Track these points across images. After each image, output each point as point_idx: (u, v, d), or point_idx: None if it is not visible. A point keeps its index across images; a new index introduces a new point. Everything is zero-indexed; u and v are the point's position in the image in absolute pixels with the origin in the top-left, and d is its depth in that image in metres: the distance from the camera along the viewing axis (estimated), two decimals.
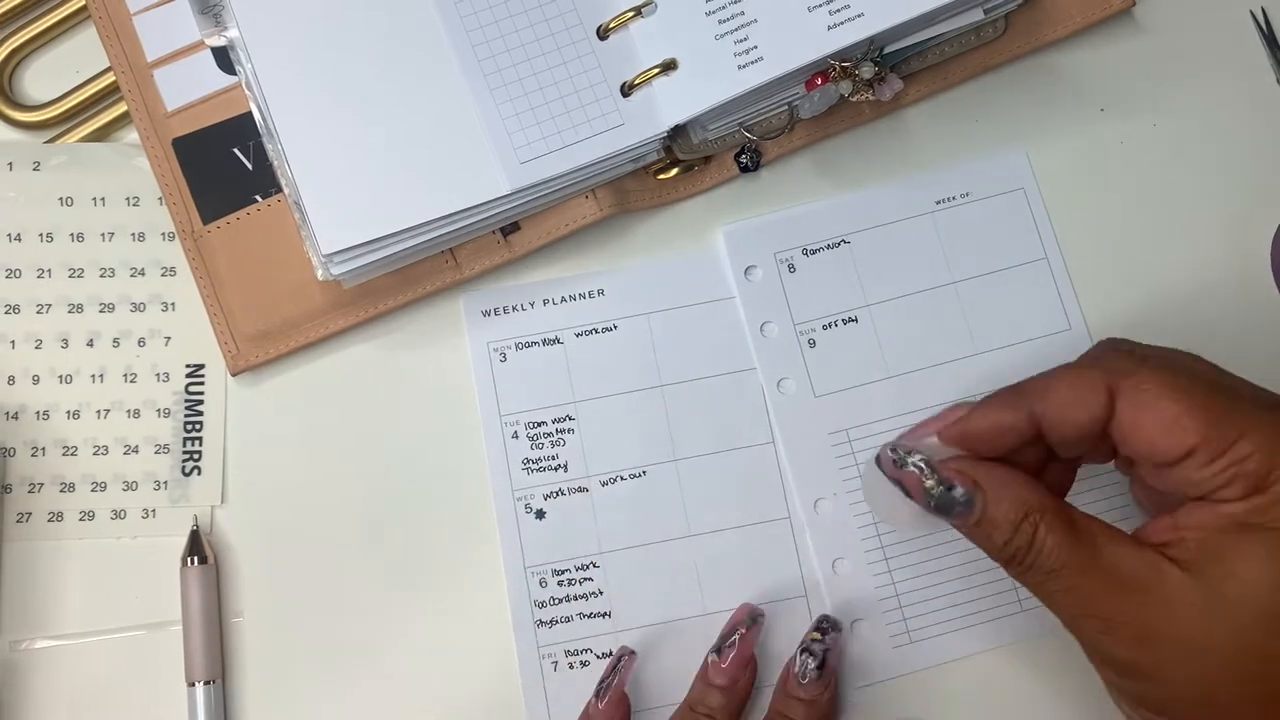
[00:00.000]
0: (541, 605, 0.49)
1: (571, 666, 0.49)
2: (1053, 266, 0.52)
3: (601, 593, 0.49)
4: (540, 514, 0.50)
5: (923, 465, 0.39)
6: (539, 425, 0.50)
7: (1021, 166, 0.53)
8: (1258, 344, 0.53)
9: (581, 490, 0.50)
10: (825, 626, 0.47)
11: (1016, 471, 0.39)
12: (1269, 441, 0.37)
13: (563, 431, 0.50)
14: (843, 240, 0.52)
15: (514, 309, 0.51)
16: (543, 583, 0.49)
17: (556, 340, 0.51)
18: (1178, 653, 0.37)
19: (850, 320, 0.51)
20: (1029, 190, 0.53)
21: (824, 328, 0.51)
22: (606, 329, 0.51)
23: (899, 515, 0.41)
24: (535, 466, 0.50)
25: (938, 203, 0.52)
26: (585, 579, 0.49)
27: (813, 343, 0.51)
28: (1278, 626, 0.36)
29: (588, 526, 0.50)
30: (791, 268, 0.52)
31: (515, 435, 0.50)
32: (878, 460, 0.41)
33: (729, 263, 0.52)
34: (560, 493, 0.50)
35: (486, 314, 0.51)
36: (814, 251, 0.52)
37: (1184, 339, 0.52)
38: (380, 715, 0.49)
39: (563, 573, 0.49)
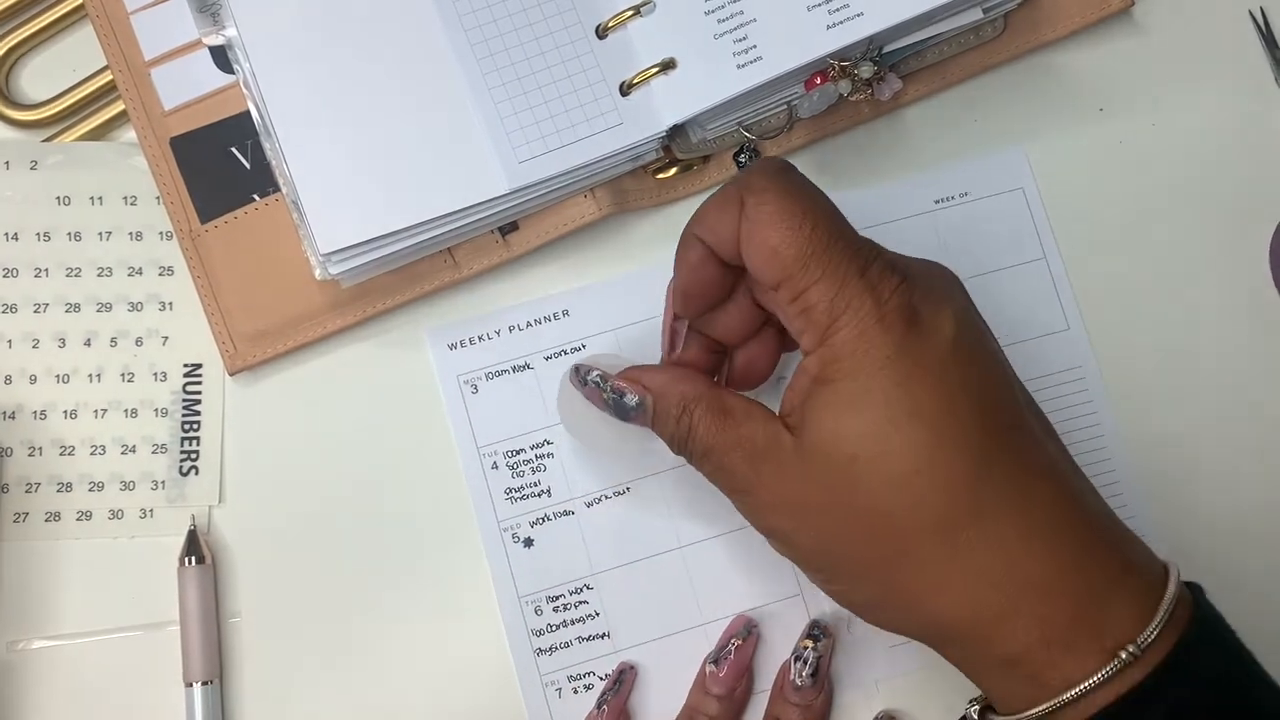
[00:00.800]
0: (539, 633, 0.49)
1: (576, 692, 0.49)
2: (1051, 267, 0.52)
3: (598, 614, 0.49)
4: (528, 542, 0.49)
5: (599, 380, 0.43)
6: (518, 453, 0.50)
7: (1021, 166, 0.53)
8: (1256, 343, 0.53)
9: (567, 514, 0.50)
10: (817, 634, 0.48)
11: (682, 370, 0.43)
12: (838, 292, 0.36)
13: (542, 457, 0.50)
14: None
15: (480, 339, 0.50)
16: (538, 610, 0.49)
17: (527, 366, 0.50)
18: (795, 515, 0.38)
19: None
20: (1028, 190, 0.53)
21: None
22: (575, 349, 0.51)
23: (591, 426, 0.46)
24: (518, 495, 0.50)
25: (936, 202, 0.52)
26: (581, 602, 0.49)
27: None
28: (858, 480, 0.36)
29: (577, 549, 0.49)
30: None
31: (495, 466, 0.50)
32: (569, 378, 0.45)
33: None
34: (546, 518, 0.50)
35: (453, 346, 0.50)
36: None
37: (1183, 338, 0.53)
38: (379, 714, 0.49)
39: (557, 598, 0.49)
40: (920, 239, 0.52)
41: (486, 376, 0.50)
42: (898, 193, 0.52)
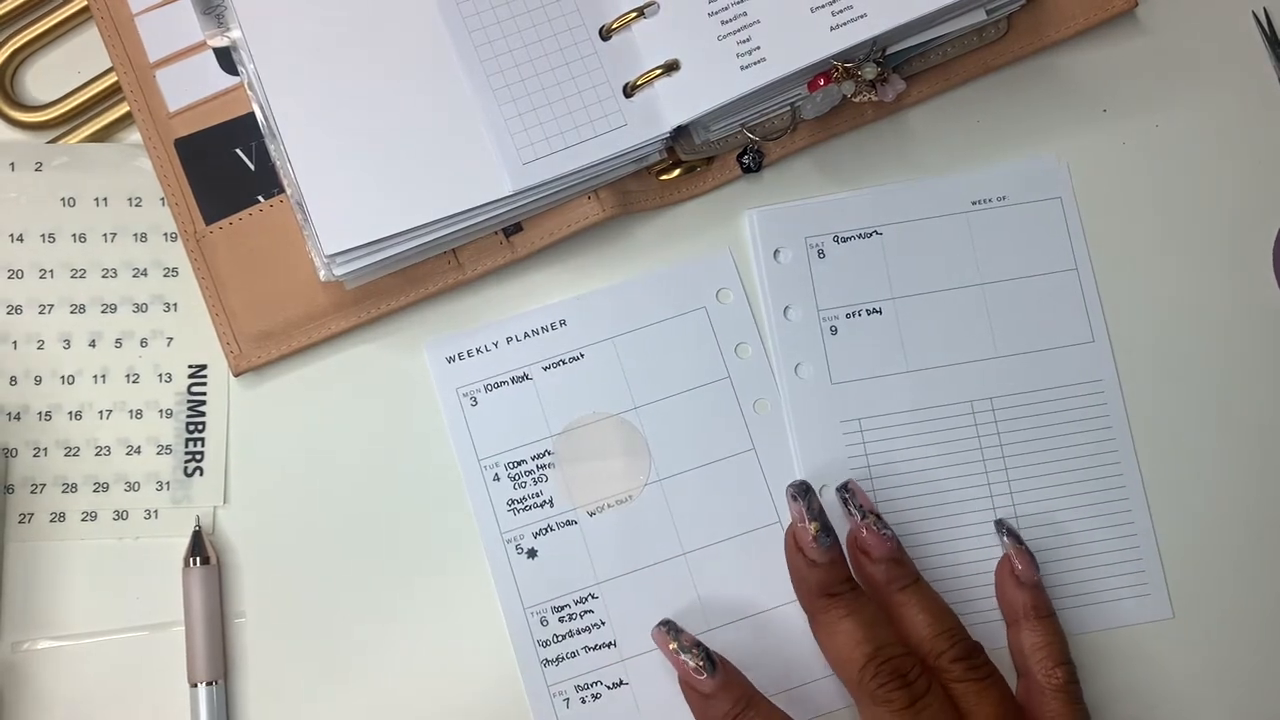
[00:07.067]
0: (545, 644, 0.49)
1: (584, 701, 0.49)
2: (1082, 278, 0.52)
3: (604, 623, 0.49)
4: (532, 553, 0.49)
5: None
6: (519, 464, 0.50)
7: (1060, 175, 0.53)
8: (1258, 343, 0.53)
9: (570, 523, 0.50)
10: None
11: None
12: None
13: (543, 467, 0.50)
14: (875, 231, 0.52)
15: (478, 351, 0.51)
16: (544, 621, 0.49)
17: (525, 376, 0.50)
18: None
19: (874, 311, 0.51)
20: (1065, 199, 0.52)
21: (847, 316, 0.51)
22: (574, 358, 0.51)
23: None
24: (521, 506, 0.50)
25: (974, 203, 0.52)
26: (586, 611, 0.49)
27: (834, 330, 0.51)
28: None
29: (581, 559, 0.49)
30: (821, 253, 0.51)
31: (496, 478, 0.50)
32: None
33: (758, 245, 0.51)
34: (549, 529, 0.50)
35: (451, 360, 0.50)
36: (845, 239, 0.52)
37: (1185, 337, 0.53)
38: (382, 715, 0.49)
39: (562, 608, 0.49)
40: (954, 238, 0.52)
41: (485, 388, 0.50)
42: (936, 189, 0.52)
